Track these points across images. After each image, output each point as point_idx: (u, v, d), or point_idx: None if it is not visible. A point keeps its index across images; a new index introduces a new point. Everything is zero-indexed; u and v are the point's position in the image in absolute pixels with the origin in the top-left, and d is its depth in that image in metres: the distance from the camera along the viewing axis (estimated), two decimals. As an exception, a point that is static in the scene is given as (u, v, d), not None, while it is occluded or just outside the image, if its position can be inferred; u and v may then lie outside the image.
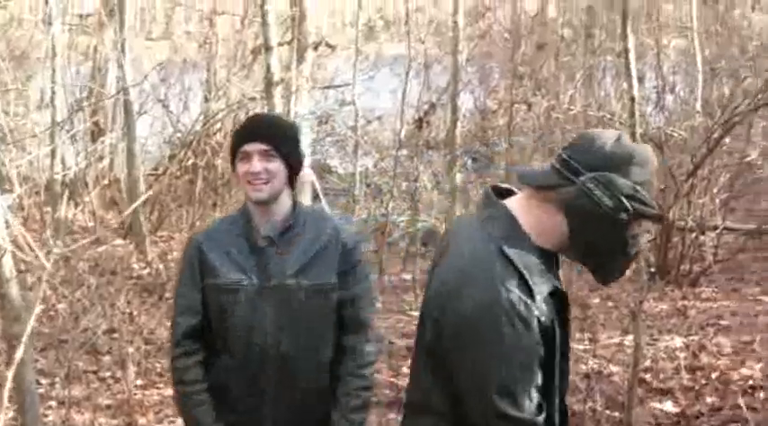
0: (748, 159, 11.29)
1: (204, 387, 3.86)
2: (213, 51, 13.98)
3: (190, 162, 12.66)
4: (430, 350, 2.81)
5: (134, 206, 11.62)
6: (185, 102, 14.69)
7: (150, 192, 12.52)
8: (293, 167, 3.85)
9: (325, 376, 3.90)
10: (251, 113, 4.29)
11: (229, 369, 3.85)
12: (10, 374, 3.59)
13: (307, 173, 7.45)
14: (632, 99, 6.63)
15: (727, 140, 10.64)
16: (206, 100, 14.21)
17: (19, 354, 4.04)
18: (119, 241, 12.23)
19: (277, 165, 3.77)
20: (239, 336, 3.82)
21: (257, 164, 3.73)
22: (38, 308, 3.64)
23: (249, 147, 3.76)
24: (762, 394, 6.86)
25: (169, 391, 7.59)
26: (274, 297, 3.80)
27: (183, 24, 15.75)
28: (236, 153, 3.81)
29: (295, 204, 3.93)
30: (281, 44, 7.98)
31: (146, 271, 10.93)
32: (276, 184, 3.78)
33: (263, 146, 3.75)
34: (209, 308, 3.85)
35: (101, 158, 14.36)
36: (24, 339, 3.98)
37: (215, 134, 13.56)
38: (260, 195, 3.77)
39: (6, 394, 3.59)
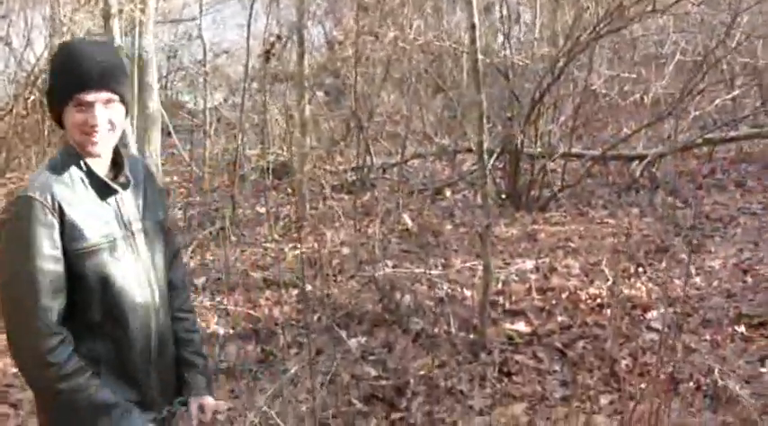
0: (593, 87, 11.52)
1: (89, 369, 3.18)
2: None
3: (35, 100, 12.36)
4: None
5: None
6: (28, 38, 14.33)
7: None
8: (128, 106, 3.35)
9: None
10: (74, 42, 3.29)
11: (117, 343, 3.27)
12: None
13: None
14: (473, 26, 6.69)
15: (574, 71, 10.85)
16: (50, 36, 13.87)
17: None
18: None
19: (120, 112, 3.24)
20: (122, 301, 3.26)
21: (101, 116, 3.16)
22: None
23: (90, 96, 3.16)
24: (608, 312, 7.07)
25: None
26: (138, 245, 3.33)
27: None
28: (64, 96, 3.19)
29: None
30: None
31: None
32: (117, 133, 3.25)
33: (108, 95, 3.19)
34: (82, 279, 3.18)
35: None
36: None
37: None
38: (101, 149, 3.22)
39: None
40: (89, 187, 3.23)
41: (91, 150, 3.21)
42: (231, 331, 7.37)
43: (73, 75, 3.17)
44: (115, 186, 3.28)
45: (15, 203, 3.14)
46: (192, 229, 9.51)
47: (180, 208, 10.56)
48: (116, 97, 3.20)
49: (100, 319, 3.22)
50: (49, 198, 3.11)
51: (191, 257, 8.89)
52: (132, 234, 3.31)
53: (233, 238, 9.29)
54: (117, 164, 3.33)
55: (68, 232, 3.13)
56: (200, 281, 8.42)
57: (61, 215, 3.12)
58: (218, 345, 6.97)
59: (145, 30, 9.91)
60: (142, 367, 3.34)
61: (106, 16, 6.86)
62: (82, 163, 3.23)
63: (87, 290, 3.19)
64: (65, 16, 13.32)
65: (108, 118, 3.18)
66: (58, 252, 3.11)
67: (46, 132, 12.49)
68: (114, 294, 3.23)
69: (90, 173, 3.24)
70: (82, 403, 3.17)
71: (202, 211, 10.03)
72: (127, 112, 3.32)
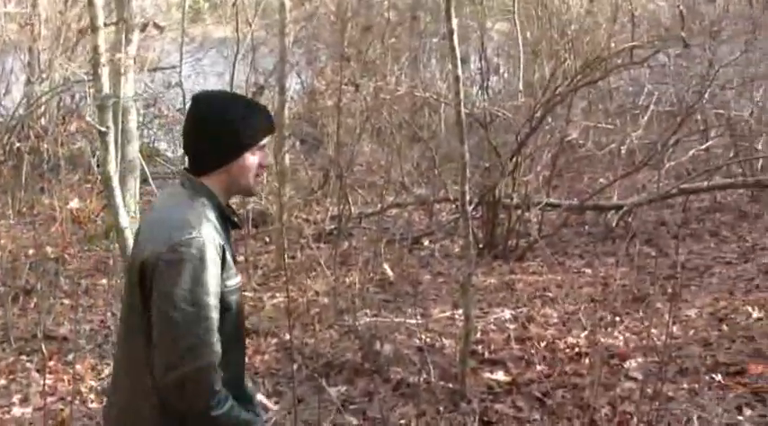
0: (569, 138, 11.62)
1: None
2: (36, 33, 13.64)
3: (14, 147, 12.35)
4: None
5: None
6: (7, 85, 14.37)
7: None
8: None
9: None
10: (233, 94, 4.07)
11: (239, 366, 3.57)
12: None
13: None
14: (457, 78, 6.77)
15: (549, 120, 10.93)
16: (28, 82, 13.91)
17: None
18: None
19: None
20: (243, 329, 3.61)
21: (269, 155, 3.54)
22: None
23: (268, 140, 3.51)
24: (587, 361, 7.12)
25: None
26: None
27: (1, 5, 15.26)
28: (254, 142, 3.43)
29: None
30: (107, 25, 7.84)
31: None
32: None
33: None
34: (226, 312, 3.37)
35: None
36: None
37: (39, 118, 13.28)
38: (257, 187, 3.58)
39: None
40: (225, 233, 3.41)
41: (255, 190, 3.55)
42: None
43: (265, 122, 3.48)
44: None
45: (189, 244, 3.21)
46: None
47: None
48: None
49: (228, 347, 3.35)
50: (213, 237, 3.27)
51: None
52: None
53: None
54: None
55: (224, 271, 3.29)
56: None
57: (224, 254, 3.29)
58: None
59: (126, 78, 9.96)
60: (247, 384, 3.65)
61: (95, 65, 6.86)
62: (218, 205, 3.39)
63: (228, 323, 3.36)
64: (48, 63, 13.40)
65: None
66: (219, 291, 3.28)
67: (23, 179, 12.47)
68: (241, 323, 3.54)
69: (227, 216, 3.45)
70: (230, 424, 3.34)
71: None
72: None
